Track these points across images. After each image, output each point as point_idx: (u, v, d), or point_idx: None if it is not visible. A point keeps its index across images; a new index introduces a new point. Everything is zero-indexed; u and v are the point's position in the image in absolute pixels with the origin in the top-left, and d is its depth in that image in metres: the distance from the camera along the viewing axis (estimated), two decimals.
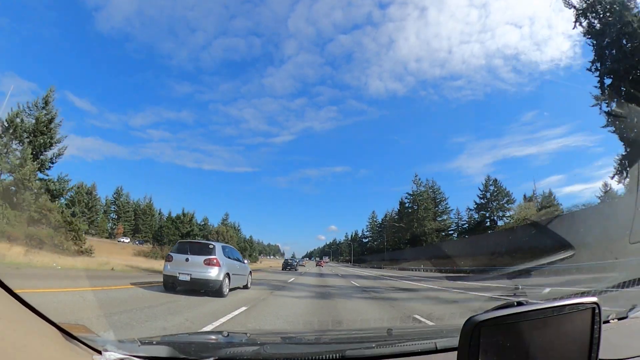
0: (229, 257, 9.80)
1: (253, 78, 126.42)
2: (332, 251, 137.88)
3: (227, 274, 9.03)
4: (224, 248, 9.78)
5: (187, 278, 8.41)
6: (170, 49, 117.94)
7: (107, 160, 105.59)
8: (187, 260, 8.67)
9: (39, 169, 19.27)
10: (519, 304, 1.01)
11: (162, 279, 9.01)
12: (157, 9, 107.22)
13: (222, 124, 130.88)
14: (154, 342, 1.69)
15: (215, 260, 8.71)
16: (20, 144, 18.90)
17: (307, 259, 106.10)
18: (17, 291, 0.97)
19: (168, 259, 8.96)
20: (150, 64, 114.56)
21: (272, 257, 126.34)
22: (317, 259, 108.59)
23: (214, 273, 8.55)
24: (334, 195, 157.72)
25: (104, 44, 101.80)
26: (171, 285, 8.65)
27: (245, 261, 11.79)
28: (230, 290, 9.36)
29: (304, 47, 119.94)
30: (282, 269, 31.12)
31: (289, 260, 35.13)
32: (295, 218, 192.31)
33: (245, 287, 11.11)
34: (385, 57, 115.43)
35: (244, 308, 6.99)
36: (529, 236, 29.64)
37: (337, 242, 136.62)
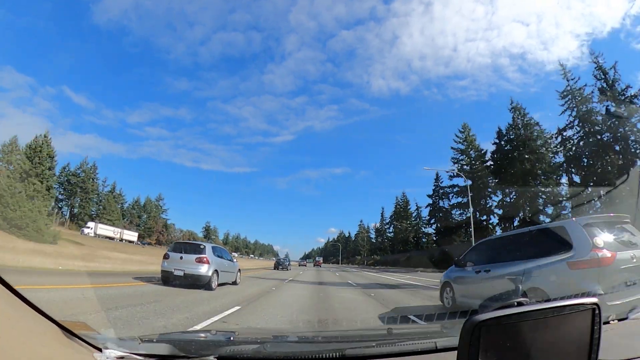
0: (219, 256, 11.15)
1: (252, 75, 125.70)
2: (338, 249, 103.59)
3: (216, 271, 10.36)
4: (214, 248, 11.25)
5: (181, 273, 9.81)
6: (168, 44, 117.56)
7: (104, 158, 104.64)
8: (181, 258, 10.07)
9: None
10: (519, 304, 1.02)
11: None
12: (154, 1, 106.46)
13: (220, 122, 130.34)
14: (155, 340, 1.71)
15: (205, 259, 10.07)
16: None
17: (305, 260, 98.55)
18: (17, 287, 0.97)
19: (165, 257, 10.36)
20: (147, 58, 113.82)
21: (247, 256, 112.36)
22: (310, 260, 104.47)
23: (204, 269, 9.91)
24: (333, 197, 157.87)
25: (100, 37, 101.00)
26: (166, 279, 10.04)
27: (235, 260, 13.40)
28: (219, 285, 10.61)
29: (305, 43, 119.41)
30: (274, 268, 33.42)
31: (281, 260, 37.54)
32: (295, 220, 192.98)
33: (234, 283, 12.44)
34: (388, 55, 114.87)
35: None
36: None
37: (346, 236, 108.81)
